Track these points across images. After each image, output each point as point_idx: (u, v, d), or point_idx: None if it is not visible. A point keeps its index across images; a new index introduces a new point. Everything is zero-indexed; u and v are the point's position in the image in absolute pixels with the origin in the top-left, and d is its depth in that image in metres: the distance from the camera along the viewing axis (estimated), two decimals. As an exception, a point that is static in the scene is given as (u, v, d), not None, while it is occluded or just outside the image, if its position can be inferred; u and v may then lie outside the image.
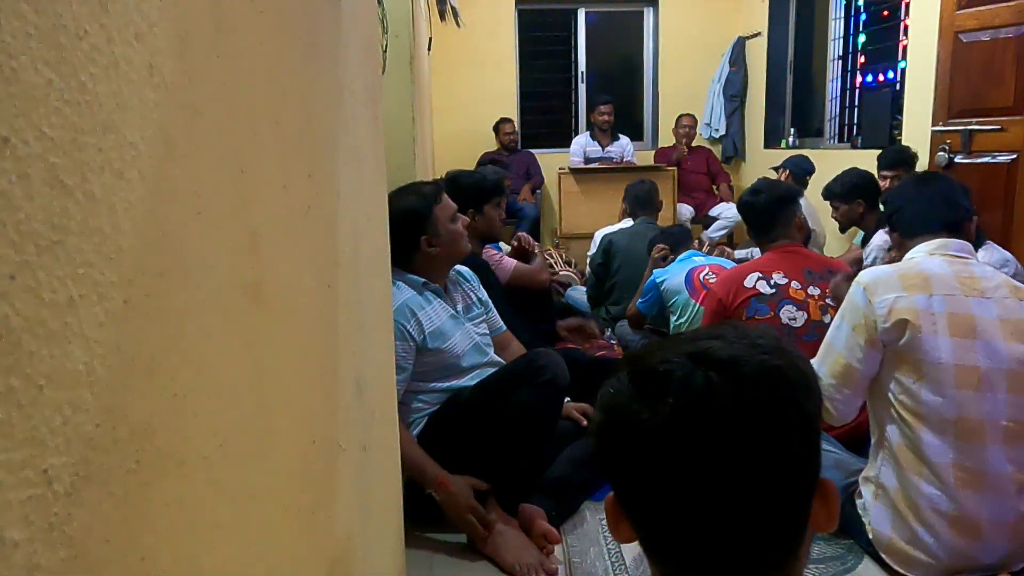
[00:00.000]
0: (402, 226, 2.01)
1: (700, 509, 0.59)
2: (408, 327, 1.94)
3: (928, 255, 1.73)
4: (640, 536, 0.65)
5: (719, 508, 0.59)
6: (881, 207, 3.45)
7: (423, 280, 2.04)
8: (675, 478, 0.59)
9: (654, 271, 3.19)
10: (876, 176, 3.53)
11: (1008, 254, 2.55)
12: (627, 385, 0.62)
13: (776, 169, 4.48)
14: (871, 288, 1.69)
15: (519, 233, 3.38)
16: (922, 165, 3.54)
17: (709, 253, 3.59)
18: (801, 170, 4.46)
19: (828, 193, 3.51)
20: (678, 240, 3.35)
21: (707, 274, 2.88)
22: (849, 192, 3.40)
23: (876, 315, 1.66)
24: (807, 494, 0.62)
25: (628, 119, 6.50)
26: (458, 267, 2.25)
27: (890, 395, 1.69)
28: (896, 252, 1.87)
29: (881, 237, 3.18)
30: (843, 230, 3.57)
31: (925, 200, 1.82)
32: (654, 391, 0.60)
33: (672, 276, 3.04)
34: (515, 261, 3.02)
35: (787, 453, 0.60)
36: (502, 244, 3.95)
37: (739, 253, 4.26)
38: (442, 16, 3.66)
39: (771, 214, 2.38)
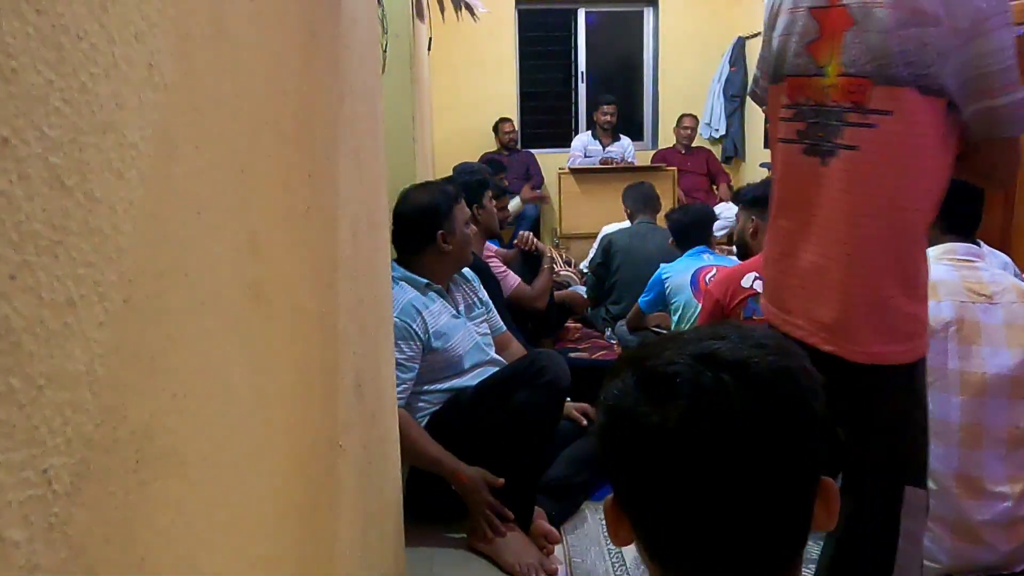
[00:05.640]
0: (421, 219, 2.03)
1: (710, 511, 0.59)
2: (414, 326, 1.94)
3: (935, 260, 1.71)
4: (642, 537, 0.64)
5: (729, 509, 0.58)
6: None
7: (426, 281, 2.05)
8: (685, 480, 0.58)
9: (661, 267, 3.15)
10: None
11: (1006, 257, 2.54)
12: (632, 387, 0.61)
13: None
14: None
15: (521, 232, 3.38)
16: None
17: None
18: None
19: None
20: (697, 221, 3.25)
21: (713, 275, 2.86)
22: None
23: None
24: (812, 494, 0.62)
25: (628, 119, 6.50)
26: (458, 267, 2.26)
27: None
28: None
29: None
30: None
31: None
32: (662, 393, 0.59)
33: (677, 274, 3.03)
34: (518, 279, 3.03)
35: (797, 454, 0.60)
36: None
37: (739, 253, 4.25)
38: (457, 9, 3.65)
39: None
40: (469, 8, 3.64)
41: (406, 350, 1.92)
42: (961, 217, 1.73)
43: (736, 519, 0.59)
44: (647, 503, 0.62)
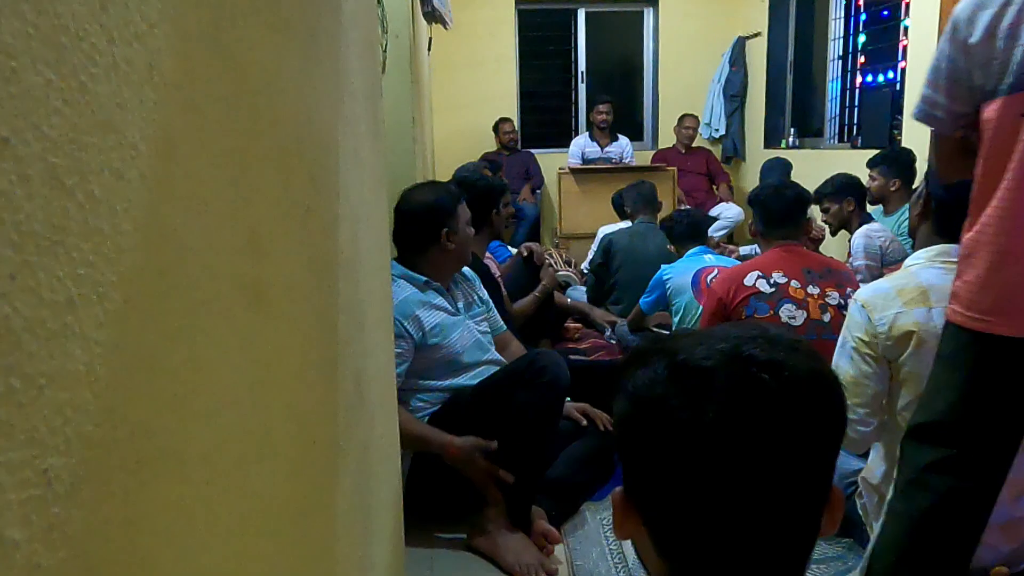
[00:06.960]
0: (426, 217, 2.04)
1: (731, 509, 0.58)
2: (406, 325, 1.95)
3: (927, 263, 1.69)
4: (652, 532, 0.63)
5: (750, 509, 0.58)
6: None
7: (425, 278, 2.05)
8: (709, 477, 0.58)
9: (662, 267, 3.15)
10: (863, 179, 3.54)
11: None
12: (664, 379, 0.60)
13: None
14: (870, 305, 1.67)
15: (535, 247, 3.36)
16: (921, 165, 3.53)
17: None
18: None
19: (819, 194, 3.53)
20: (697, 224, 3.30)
21: (715, 276, 2.86)
22: (840, 191, 3.42)
23: (878, 332, 1.63)
24: (826, 499, 0.62)
25: (628, 119, 6.50)
26: (458, 267, 2.26)
27: (894, 409, 1.68)
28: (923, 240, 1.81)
29: (863, 235, 3.20)
30: (833, 233, 3.58)
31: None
32: (697, 388, 0.58)
33: (678, 275, 3.03)
34: (504, 292, 3.04)
35: (824, 456, 0.60)
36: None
37: (744, 250, 4.26)
38: (427, 19, 3.67)
39: (795, 210, 2.45)
40: (441, 20, 3.67)
41: (395, 347, 1.93)
42: (959, 216, 1.71)
43: (755, 520, 0.58)
44: (665, 497, 0.61)
